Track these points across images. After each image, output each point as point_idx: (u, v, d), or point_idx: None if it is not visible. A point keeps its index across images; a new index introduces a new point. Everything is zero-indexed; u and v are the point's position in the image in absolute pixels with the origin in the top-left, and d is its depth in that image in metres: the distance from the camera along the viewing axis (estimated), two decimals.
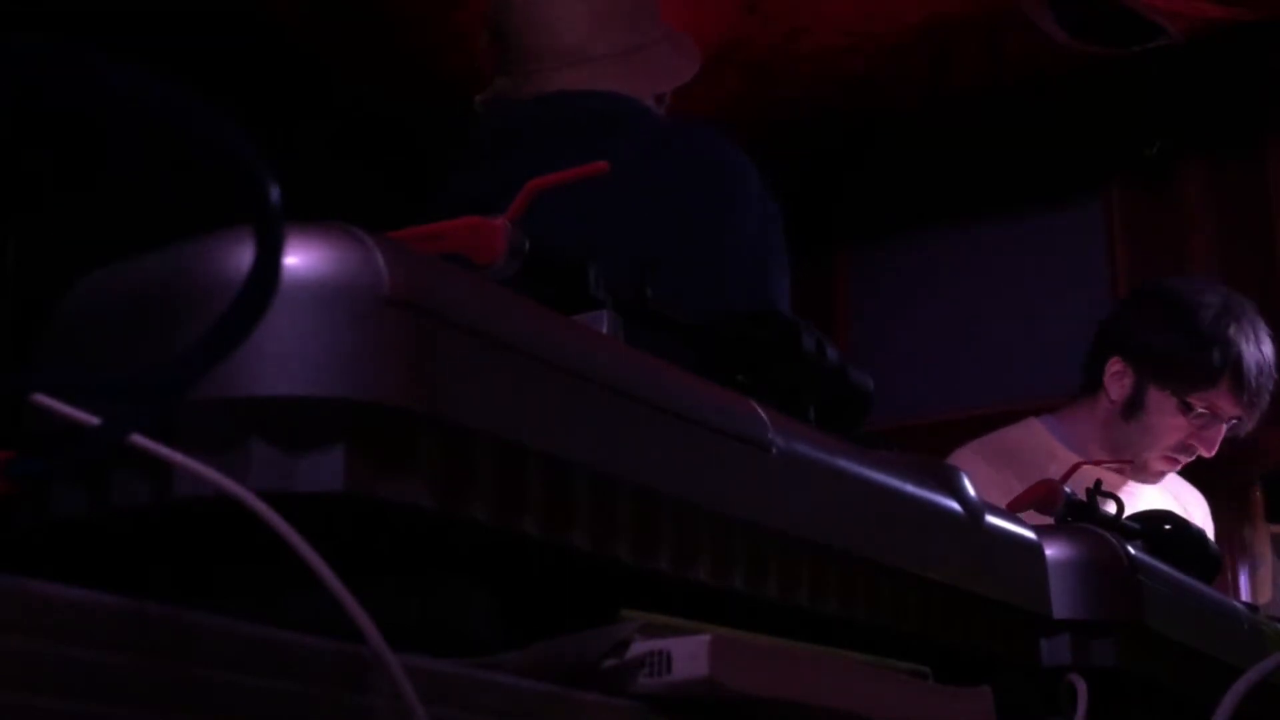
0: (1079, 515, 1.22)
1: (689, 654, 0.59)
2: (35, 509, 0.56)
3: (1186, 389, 2.21)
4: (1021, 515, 1.12)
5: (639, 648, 0.60)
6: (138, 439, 0.50)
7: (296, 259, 0.54)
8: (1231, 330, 2.23)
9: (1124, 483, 2.25)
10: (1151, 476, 2.31)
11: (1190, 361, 2.21)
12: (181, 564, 0.56)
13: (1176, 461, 2.28)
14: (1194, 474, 2.46)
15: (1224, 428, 2.24)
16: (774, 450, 0.73)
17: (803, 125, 3.73)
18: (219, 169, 0.40)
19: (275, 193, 0.42)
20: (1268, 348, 2.26)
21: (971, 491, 0.91)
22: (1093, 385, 2.33)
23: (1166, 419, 2.23)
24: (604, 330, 0.75)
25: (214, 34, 3.03)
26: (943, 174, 3.74)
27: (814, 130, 3.74)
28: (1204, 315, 2.25)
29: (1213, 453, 2.25)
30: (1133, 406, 2.26)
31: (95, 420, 0.50)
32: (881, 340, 3.84)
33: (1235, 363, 2.20)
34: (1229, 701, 0.85)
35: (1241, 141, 3.46)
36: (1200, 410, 2.21)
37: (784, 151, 3.83)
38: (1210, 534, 2.43)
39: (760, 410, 0.74)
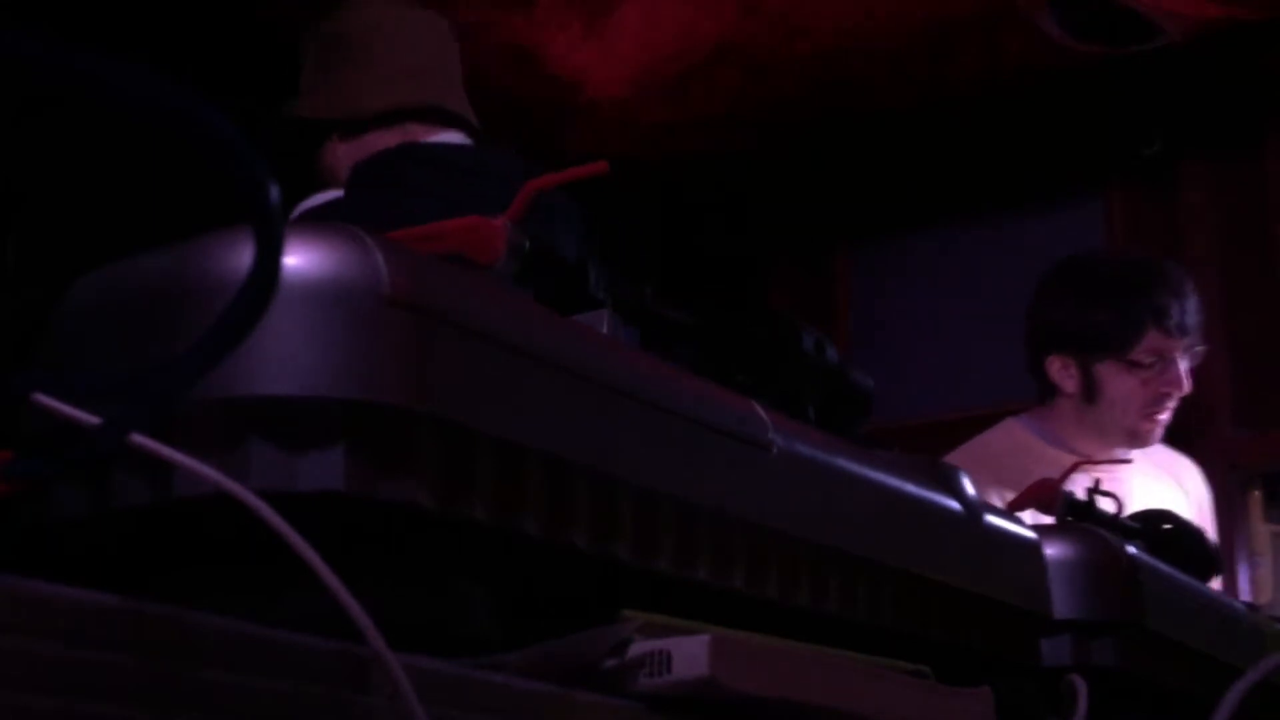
0: (1079, 515, 1.22)
1: (689, 654, 0.59)
2: (35, 509, 0.56)
3: (1124, 350, 2.24)
4: (1021, 515, 1.12)
5: (639, 648, 0.60)
6: (138, 439, 0.50)
7: (296, 259, 0.54)
8: (1132, 278, 2.28)
9: (1115, 472, 2.25)
10: (1147, 439, 2.31)
11: (1112, 326, 2.25)
12: (181, 564, 0.56)
13: (1158, 415, 2.28)
14: None
15: (1180, 363, 2.25)
16: (774, 450, 0.73)
17: (803, 125, 3.72)
18: (219, 168, 0.40)
19: (275, 193, 0.42)
20: (1173, 272, 2.30)
21: (971, 491, 0.91)
22: (1049, 392, 2.34)
23: (1124, 385, 2.26)
24: (604, 330, 0.75)
25: (214, 34, 3.03)
26: (943, 174, 3.74)
27: (814, 130, 3.74)
28: (1103, 278, 2.31)
29: (1186, 388, 2.27)
30: (1089, 391, 2.28)
31: (95, 420, 0.50)
32: (881, 340, 3.84)
33: (1153, 305, 2.24)
34: (1229, 701, 0.85)
35: (1241, 141, 3.46)
36: (1147, 361, 2.23)
37: (784, 151, 3.84)
38: (1208, 503, 2.44)
39: (760, 410, 0.74)
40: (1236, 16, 3.18)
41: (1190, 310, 2.26)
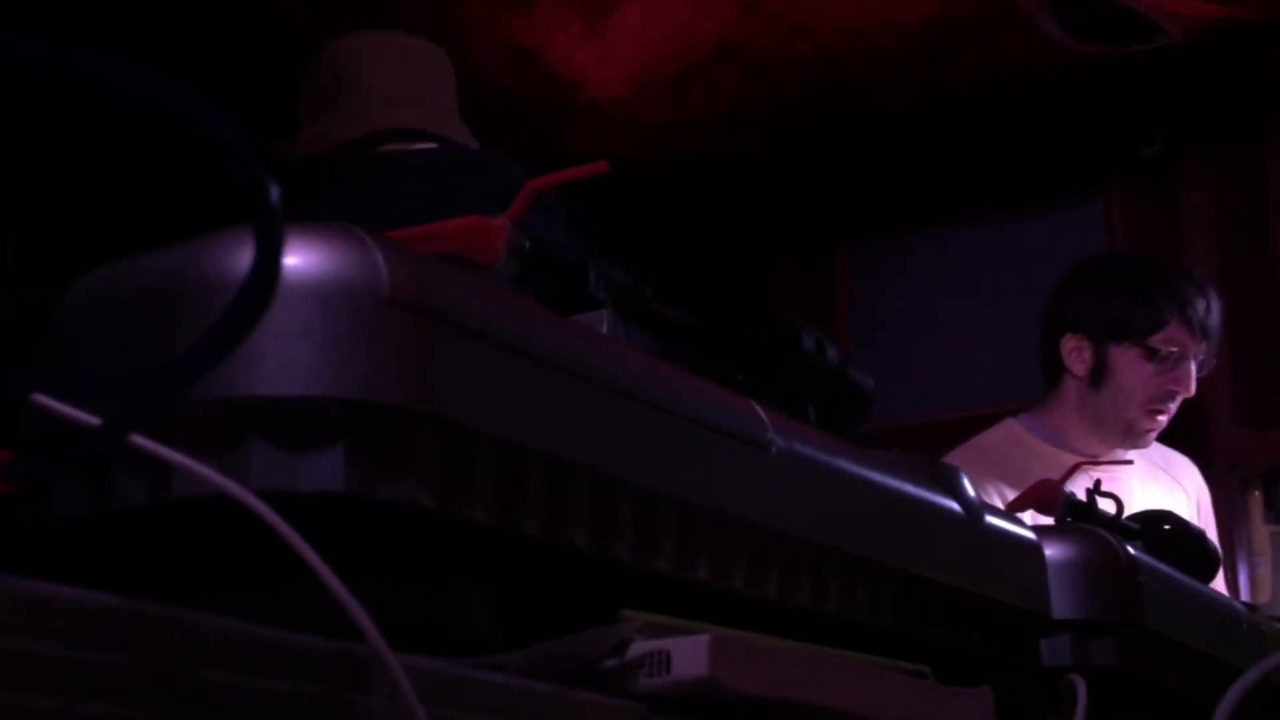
0: (1079, 515, 1.22)
1: (689, 654, 0.59)
2: (35, 509, 0.56)
3: (1145, 335, 2.24)
4: (1021, 515, 1.12)
5: (639, 648, 0.60)
6: (138, 439, 0.50)
7: (296, 259, 0.54)
8: (1164, 271, 2.31)
9: (1114, 472, 2.25)
10: (1143, 438, 2.31)
11: (1139, 308, 2.26)
12: (181, 564, 0.56)
13: (1160, 413, 2.29)
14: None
15: (1192, 365, 2.25)
16: (774, 450, 0.73)
17: (803, 125, 3.72)
18: (219, 168, 0.40)
19: (275, 193, 0.42)
20: (1203, 282, 2.32)
21: (971, 491, 0.91)
22: (1055, 376, 2.34)
23: (1135, 372, 2.26)
24: (604, 330, 0.75)
25: (214, 34, 3.03)
26: (943, 174, 3.74)
27: (814, 130, 3.74)
28: (1135, 266, 2.35)
29: (1192, 391, 2.27)
30: (1099, 373, 2.28)
31: (95, 420, 0.50)
32: (881, 340, 3.84)
33: (1180, 297, 2.26)
34: (1229, 701, 0.85)
35: (1241, 141, 3.46)
36: (1164, 351, 2.23)
37: (784, 151, 3.83)
38: (1207, 501, 2.44)
39: (760, 410, 0.74)
40: (1236, 16, 3.18)
41: (1213, 313, 2.27)
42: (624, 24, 3.34)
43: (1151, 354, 2.24)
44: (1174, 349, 2.24)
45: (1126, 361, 2.26)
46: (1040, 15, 3.20)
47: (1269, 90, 3.39)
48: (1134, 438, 2.30)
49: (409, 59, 2.02)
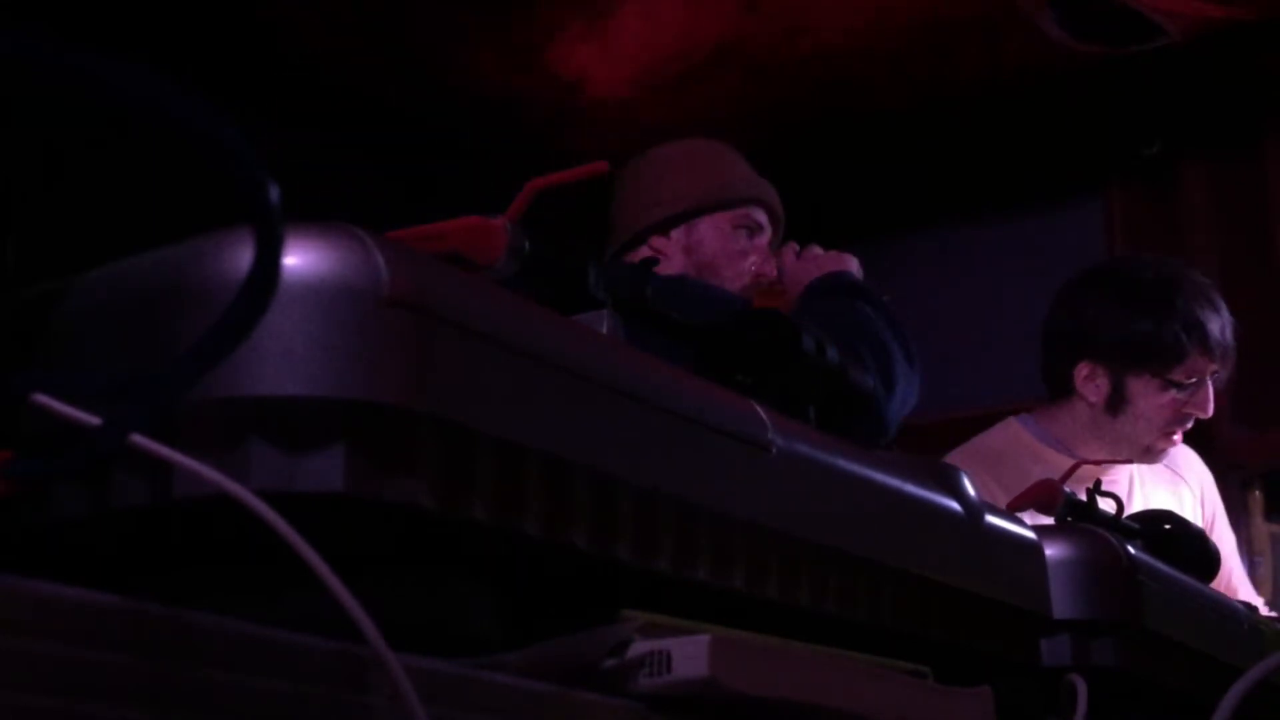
0: (1079, 515, 1.22)
1: (689, 654, 0.59)
2: (35, 509, 0.56)
3: (1165, 368, 2.21)
4: (1021, 515, 1.12)
5: (639, 648, 0.60)
6: (138, 439, 0.50)
7: (297, 259, 0.54)
8: (1184, 299, 2.24)
9: (1115, 472, 2.24)
10: (1157, 457, 2.30)
11: (1160, 344, 2.21)
12: (181, 564, 0.56)
13: (1175, 434, 2.27)
14: None
15: (1210, 387, 2.23)
16: (774, 450, 0.73)
17: (803, 125, 3.72)
18: (219, 168, 0.40)
19: (275, 193, 0.42)
20: (1216, 298, 2.28)
21: (971, 491, 0.91)
22: (1062, 391, 2.30)
23: (1155, 401, 2.23)
24: (604, 330, 0.75)
25: (214, 34, 3.03)
26: (942, 174, 3.74)
27: (814, 130, 3.74)
28: (1155, 294, 2.26)
29: (1210, 412, 2.24)
30: (1117, 402, 2.24)
31: (95, 420, 0.50)
32: None
33: (1200, 328, 2.21)
34: (1229, 701, 0.85)
35: (1241, 141, 3.46)
36: (1186, 382, 2.21)
37: (784, 151, 3.83)
38: (1212, 488, 2.42)
39: (760, 410, 0.74)
40: (1236, 16, 3.18)
41: (1228, 329, 2.23)
42: (624, 24, 3.34)
43: (1171, 385, 2.21)
44: (1195, 378, 2.21)
45: (1147, 392, 2.22)
46: (1040, 15, 3.20)
47: (1269, 90, 3.39)
48: (1150, 456, 2.28)
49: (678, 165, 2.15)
